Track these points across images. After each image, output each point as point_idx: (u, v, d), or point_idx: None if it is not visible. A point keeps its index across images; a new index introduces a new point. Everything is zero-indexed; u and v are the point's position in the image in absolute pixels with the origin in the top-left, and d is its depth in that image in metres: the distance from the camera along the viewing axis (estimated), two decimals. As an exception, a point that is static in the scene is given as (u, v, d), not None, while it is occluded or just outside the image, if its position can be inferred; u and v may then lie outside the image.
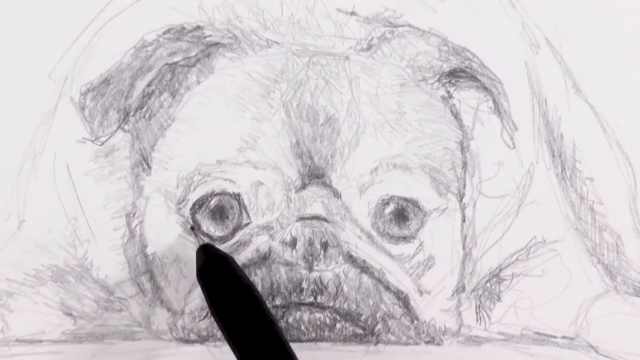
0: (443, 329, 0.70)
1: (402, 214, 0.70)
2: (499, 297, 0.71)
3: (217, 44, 0.71)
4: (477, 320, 0.71)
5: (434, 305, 0.70)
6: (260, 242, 0.68)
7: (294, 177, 0.69)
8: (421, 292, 0.70)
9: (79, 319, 0.71)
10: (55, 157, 0.71)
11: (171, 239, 0.70)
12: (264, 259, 0.68)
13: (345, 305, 0.68)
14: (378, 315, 0.69)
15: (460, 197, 0.71)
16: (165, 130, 0.71)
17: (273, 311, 0.68)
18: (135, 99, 0.71)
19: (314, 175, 0.69)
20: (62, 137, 0.71)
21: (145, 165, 0.71)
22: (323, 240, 0.68)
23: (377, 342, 0.69)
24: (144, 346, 0.70)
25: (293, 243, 0.68)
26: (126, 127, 0.71)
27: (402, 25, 0.71)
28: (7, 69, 0.71)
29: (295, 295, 0.68)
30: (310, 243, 0.68)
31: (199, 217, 0.69)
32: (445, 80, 0.71)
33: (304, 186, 0.69)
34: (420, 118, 0.70)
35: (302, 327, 0.68)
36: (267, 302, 0.68)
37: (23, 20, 0.72)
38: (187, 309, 0.69)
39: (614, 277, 0.71)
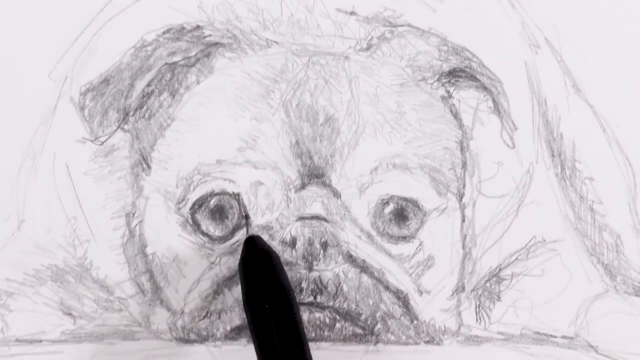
0: (443, 328, 0.70)
1: (401, 214, 0.70)
2: (498, 296, 0.71)
3: (216, 43, 0.71)
4: (476, 320, 0.71)
5: (433, 305, 0.70)
6: (260, 242, 0.68)
7: (294, 177, 0.69)
8: (421, 292, 0.70)
9: (79, 318, 0.71)
10: (54, 157, 0.71)
11: (171, 239, 0.70)
12: (264, 258, 0.68)
13: (345, 305, 0.68)
14: (378, 315, 0.69)
15: (460, 196, 0.71)
16: (164, 130, 0.71)
17: (273, 311, 0.68)
18: (134, 98, 0.71)
19: (314, 175, 0.69)
20: (61, 137, 0.71)
21: (144, 165, 0.71)
22: (323, 240, 0.68)
23: (376, 342, 0.69)
24: (144, 346, 0.70)
25: (293, 243, 0.68)
26: (126, 127, 0.71)
27: (401, 25, 0.71)
28: (7, 69, 0.71)
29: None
30: (310, 243, 0.68)
31: (198, 216, 0.69)
32: (444, 80, 0.71)
33: (303, 186, 0.69)
34: (420, 118, 0.70)
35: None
36: (266, 301, 0.68)
37: (23, 20, 0.72)
38: (187, 309, 0.69)
39: (613, 276, 0.71)
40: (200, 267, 0.69)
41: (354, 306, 0.68)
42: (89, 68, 0.71)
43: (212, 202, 0.69)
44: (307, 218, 0.68)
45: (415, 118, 0.70)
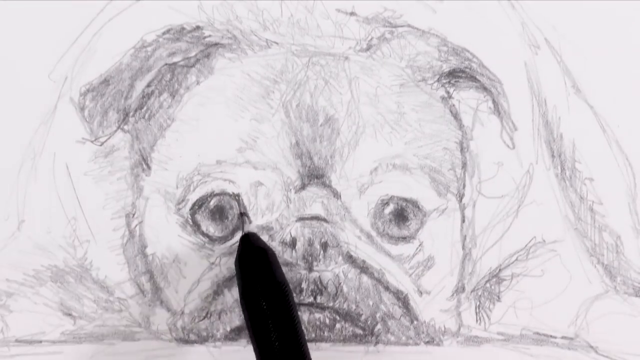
0: (443, 329, 0.70)
1: (401, 214, 0.70)
2: (498, 297, 0.71)
3: (216, 44, 0.71)
4: (476, 321, 0.71)
5: (433, 306, 0.70)
6: (260, 243, 0.68)
7: (294, 177, 0.69)
8: (421, 293, 0.70)
9: (79, 319, 0.71)
10: (54, 158, 0.71)
11: (171, 239, 0.70)
12: (264, 259, 0.68)
13: (345, 306, 0.68)
14: (378, 315, 0.69)
15: (460, 197, 0.71)
16: (164, 130, 0.71)
17: (273, 311, 0.68)
18: (134, 99, 0.71)
19: (314, 175, 0.69)
20: (61, 138, 0.71)
21: (144, 166, 0.71)
22: (323, 240, 0.68)
23: (376, 343, 0.69)
24: (144, 346, 0.70)
25: (293, 243, 0.68)
26: (126, 127, 0.71)
27: (401, 26, 0.71)
28: (7, 69, 0.71)
29: (295, 295, 0.68)
30: (310, 243, 0.68)
31: (198, 217, 0.69)
32: (444, 81, 0.71)
33: (303, 186, 0.69)
34: (420, 118, 0.70)
35: (302, 327, 0.68)
36: (266, 302, 0.68)
37: (23, 21, 0.72)
38: (186, 309, 0.69)
39: (613, 277, 0.71)
40: (200, 267, 0.69)
41: (354, 307, 0.68)
42: (89, 68, 0.71)
43: (212, 202, 0.69)
44: (307, 219, 0.68)
45: (415, 118, 0.70)
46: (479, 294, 0.71)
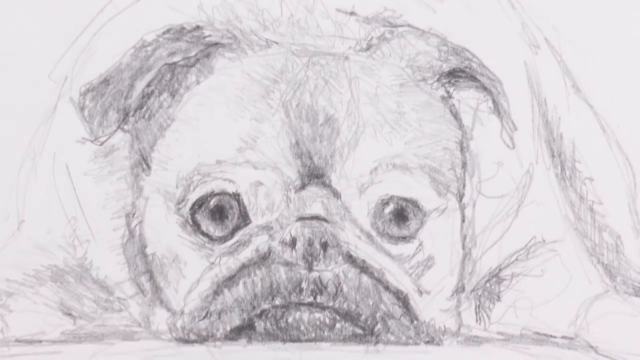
0: (443, 329, 0.70)
1: (401, 214, 0.70)
2: (498, 297, 0.71)
3: (216, 44, 0.71)
4: (476, 320, 0.71)
5: (433, 305, 0.70)
6: (260, 242, 0.68)
7: (294, 177, 0.69)
8: (421, 292, 0.70)
9: (79, 319, 0.71)
10: (54, 157, 0.71)
11: (171, 239, 0.70)
12: (264, 258, 0.68)
13: (345, 305, 0.68)
14: (378, 315, 0.69)
15: (460, 197, 0.71)
16: (164, 130, 0.71)
17: (273, 311, 0.68)
18: (134, 99, 0.71)
19: (314, 175, 0.69)
20: (61, 137, 0.71)
21: (144, 166, 0.71)
22: (323, 240, 0.68)
23: (376, 342, 0.69)
24: (144, 346, 0.70)
25: (293, 243, 0.68)
26: (126, 127, 0.71)
27: (401, 25, 0.71)
28: (7, 69, 0.71)
29: (294, 295, 0.68)
30: (310, 243, 0.68)
31: (198, 217, 0.69)
32: (444, 80, 0.71)
33: (303, 186, 0.69)
34: (420, 118, 0.70)
35: (302, 327, 0.68)
36: (266, 302, 0.68)
37: (22, 20, 0.72)
38: (186, 309, 0.69)
39: (613, 277, 0.71)
40: (200, 267, 0.69)
41: (353, 306, 0.68)
42: (89, 68, 0.71)
43: (212, 202, 0.69)
44: (307, 218, 0.68)
45: (415, 118, 0.70)
46: (479, 293, 0.71)
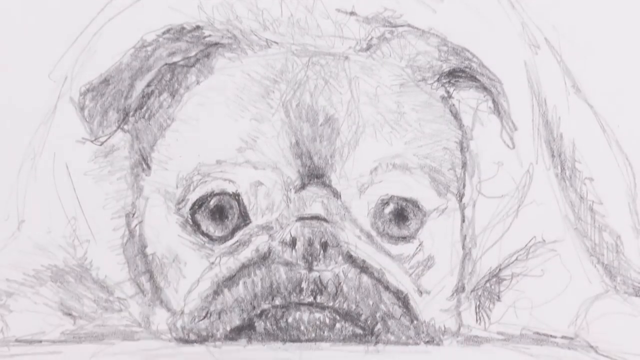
0: (443, 329, 0.70)
1: (401, 214, 0.70)
2: (498, 297, 0.71)
3: (216, 44, 0.71)
4: (476, 320, 0.71)
5: (433, 305, 0.70)
6: (260, 242, 0.68)
7: (294, 177, 0.69)
8: (421, 292, 0.70)
9: (79, 319, 0.71)
10: (54, 157, 0.71)
11: (171, 239, 0.70)
12: (264, 258, 0.68)
13: (345, 305, 0.68)
14: (378, 315, 0.69)
15: (460, 197, 0.71)
16: (164, 130, 0.71)
17: (273, 311, 0.68)
18: (134, 99, 0.71)
19: (314, 175, 0.69)
20: (61, 137, 0.71)
21: (144, 166, 0.71)
22: (323, 240, 0.68)
23: (376, 342, 0.69)
24: (144, 346, 0.70)
25: (293, 243, 0.68)
26: (126, 127, 0.71)
27: (401, 25, 0.71)
28: (7, 69, 0.71)
29: (294, 295, 0.68)
30: (310, 243, 0.68)
31: (198, 217, 0.69)
32: (444, 80, 0.71)
33: (303, 186, 0.69)
34: (420, 118, 0.70)
35: (302, 327, 0.68)
36: (266, 302, 0.68)
37: (22, 20, 0.72)
38: (186, 309, 0.69)
39: (613, 277, 0.71)
40: (200, 267, 0.69)
41: (354, 306, 0.68)
42: (89, 68, 0.71)
43: (212, 202, 0.69)
44: (307, 218, 0.68)
45: (415, 118, 0.70)
46: (479, 293, 0.71)
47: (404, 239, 0.70)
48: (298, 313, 0.68)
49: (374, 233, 0.69)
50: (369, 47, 0.71)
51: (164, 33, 0.71)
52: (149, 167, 0.71)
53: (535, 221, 0.71)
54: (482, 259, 0.71)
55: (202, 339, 0.69)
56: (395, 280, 0.69)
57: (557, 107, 0.72)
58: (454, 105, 0.71)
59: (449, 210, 0.71)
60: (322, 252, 0.68)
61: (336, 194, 0.69)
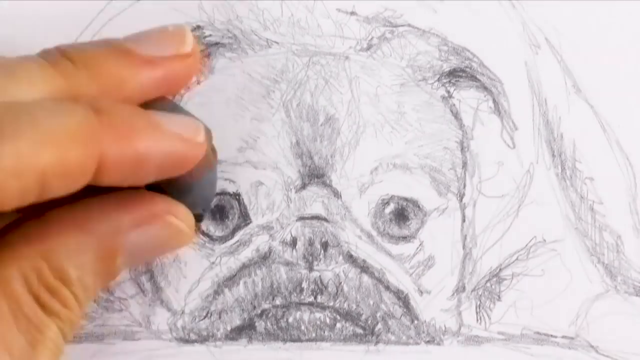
0: (443, 328, 0.70)
1: (402, 214, 0.70)
2: (499, 296, 0.71)
3: (217, 43, 0.71)
4: (477, 320, 0.71)
5: (434, 305, 0.70)
6: (260, 242, 0.68)
7: (294, 177, 0.69)
8: (421, 292, 0.70)
9: (79, 319, 0.71)
10: (55, 157, 0.71)
11: (171, 239, 0.70)
12: (264, 258, 0.68)
13: (346, 305, 0.68)
14: (378, 315, 0.69)
15: (461, 197, 0.71)
16: (165, 130, 0.70)
17: (273, 311, 0.68)
18: (135, 98, 0.70)
19: (314, 175, 0.69)
20: (62, 137, 0.71)
21: (145, 165, 0.71)
22: (323, 240, 0.68)
23: (377, 342, 0.69)
24: (144, 346, 0.70)
25: (293, 243, 0.68)
26: (126, 127, 0.71)
27: (402, 25, 0.71)
28: (7, 69, 0.71)
29: (295, 295, 0.68)
30: (311, 243, 0.68)
31: (199, 217, 0.69)
32: (445, 80, 0.71)
33: (304, 186, 0.69)
34: (420, 118, 0.70)
35: (302, 327, 0.68)
36: (267, 301, 0.68)
37: (22, 21, 0.72)
38: (187, 309, 0.69)
39: (614, 277, 0.71)
40: (200, 267, 0.69)
41: (354, 306, 0.68)
42: (89, 68, 0.71)
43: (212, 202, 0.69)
44: (308, 218, 0.68)
45: (415, 118, 0.70)
46: (480, 293, 0.71)
47: (405, 238, 0.70)
48: (298, 313, 0.68)
49: (374, 233, 0.69)
50: (369, 47, 0.71)
51: (164, 33, 0.71)
52: (149, 167, 0.71)
53: (536, 221, 0.71)
54: (483, 258, 0.71)
55: (203, 339, 0.69)
56: (396, 280, 0.69)
57: (558, 107, 0.72)
58: (454, 105, 0.71)
59: (450, 210, 0.71)
60: (322, 252, 0.68)
61: (337, 194, 0.69)
